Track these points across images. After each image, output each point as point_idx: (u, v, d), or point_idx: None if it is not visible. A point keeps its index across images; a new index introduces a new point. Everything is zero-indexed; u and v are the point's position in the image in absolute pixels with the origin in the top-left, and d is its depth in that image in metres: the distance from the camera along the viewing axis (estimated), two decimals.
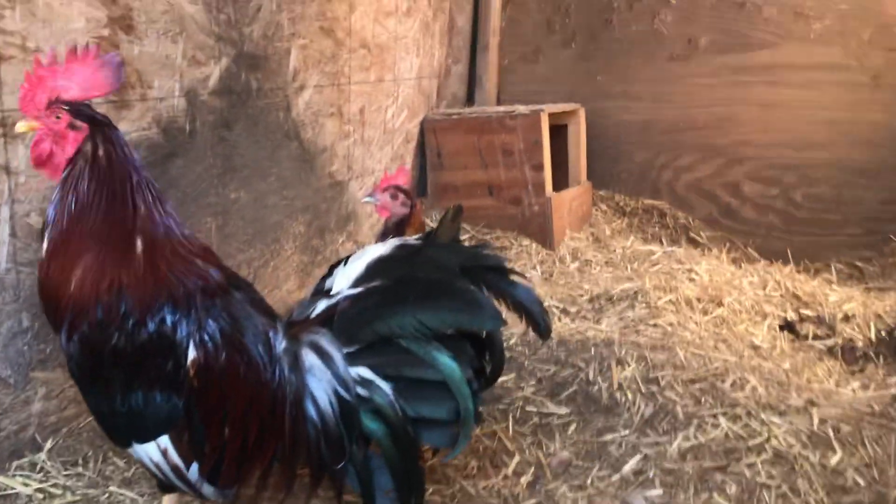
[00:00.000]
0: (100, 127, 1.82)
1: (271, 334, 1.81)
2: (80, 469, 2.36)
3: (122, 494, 2.22)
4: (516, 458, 2.39)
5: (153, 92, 2.66)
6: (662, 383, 2.66)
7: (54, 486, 2.27)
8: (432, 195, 4.55)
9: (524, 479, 2.29)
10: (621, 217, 4.93)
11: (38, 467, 2.35)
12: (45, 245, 1.77)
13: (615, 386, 2.67)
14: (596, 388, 2.69)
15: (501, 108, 4.55)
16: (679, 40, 4.81)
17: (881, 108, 4.47)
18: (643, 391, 2.63)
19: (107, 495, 2.22)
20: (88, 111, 1.82)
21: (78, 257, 1.72)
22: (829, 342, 3.54)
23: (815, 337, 3.57)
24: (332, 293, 1.85)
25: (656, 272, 3.85)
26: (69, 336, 1.72)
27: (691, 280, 3.78)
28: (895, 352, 3.43)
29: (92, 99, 1.87)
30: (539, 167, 4.28)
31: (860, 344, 3.48)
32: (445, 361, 1.71)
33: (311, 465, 1.81)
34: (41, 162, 1.82)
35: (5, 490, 2.24)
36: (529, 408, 2.64)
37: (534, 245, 4.28)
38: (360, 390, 1.76)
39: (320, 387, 1.77)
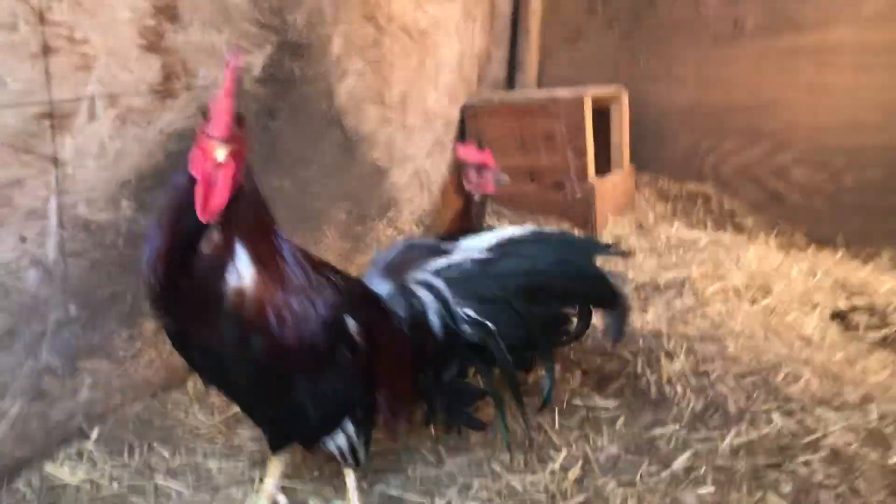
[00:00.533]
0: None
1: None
2: (125, 458, 2.36)
3: (167, 486, 2.22)
4: (563, 453, 2.35)
5: (198, 81, 2.65)
6: (713, 377, 2.60)
7: (101, 475, 2.28)
8: None
9: (571, 475, 2.24)
10: (665, 202, 4.85)
11: (84, 456, 2.36)
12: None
13: (664, 379, 2.62)
14: (644, 380, 2.64)
15: (543, 92, 4.48)
16: (724, 21, 4.70)
17: None
18: (693, 385, 2.58)
19: (153, 486, 2.22)
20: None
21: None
22: (882, 333, 3.44)
23: (868, 327, 3.48)
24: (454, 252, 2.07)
25: (703, 260, 3.77)
26: (248, 346, 1.73)
27: (739, 268, 3.69)
28: None
29: None
30: (582, 152, 4.22)
31: None
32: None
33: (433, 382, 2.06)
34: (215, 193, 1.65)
35: (53, 480, 2.26)
36: (576, 401, 2.60)
37: (576, 231, 4.22)
38: (467, 328, 2.03)
39: (435, 317, 2.02)
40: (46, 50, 2.16)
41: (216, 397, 2.70)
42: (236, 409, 2.61)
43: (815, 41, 4.53)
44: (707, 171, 4.88)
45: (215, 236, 1.67)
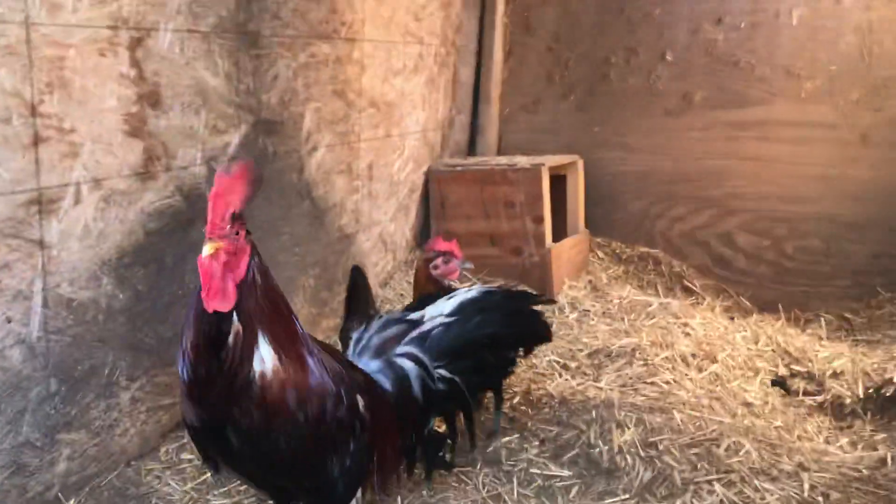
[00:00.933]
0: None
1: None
2: None
3: None
4: None
5: (177, 161, 2.78)
6: (661, 447, 2.77)
7: None
8: None
9: None
10: (618, 264, 5.06)
11: None
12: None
13: (615, 449, 2.78)
14: (597, 450, 2.80)
15: (503, 160, 4.68)
16: (674, 95, 4.97)
17: (869, 166, 4.62)
18: (642, 455, 2.74)
19: None
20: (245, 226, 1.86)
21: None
22: (819, 398, 3.66)
23: (806, 393, 3.70)
24: (423, 321, 2.44)
25: (652, 326, 3.97)
26: (289, 437, 1.92)
27: (686, 335, 3.90)
28: (882, 409, 3.56)
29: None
30: (539, 219, 4.42)
31: (848, 401, 3.61)
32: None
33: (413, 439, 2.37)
34: (217, 285, 1.79)
35: None
36: (533, 469, 2.75)
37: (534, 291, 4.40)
38: (441, 385, 2.39)
39: (416, 382, 2.34)
40: (37, 140, 2.28)
41: (188, 464, 2.80)
42: (207, 475, 2.72)
43: (759, 116, 4.81)
44: (657, 235, 5.12)
45: (237, 326, 1.82)
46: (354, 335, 2.47)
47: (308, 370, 1.95)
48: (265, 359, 1.86)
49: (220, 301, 1.80)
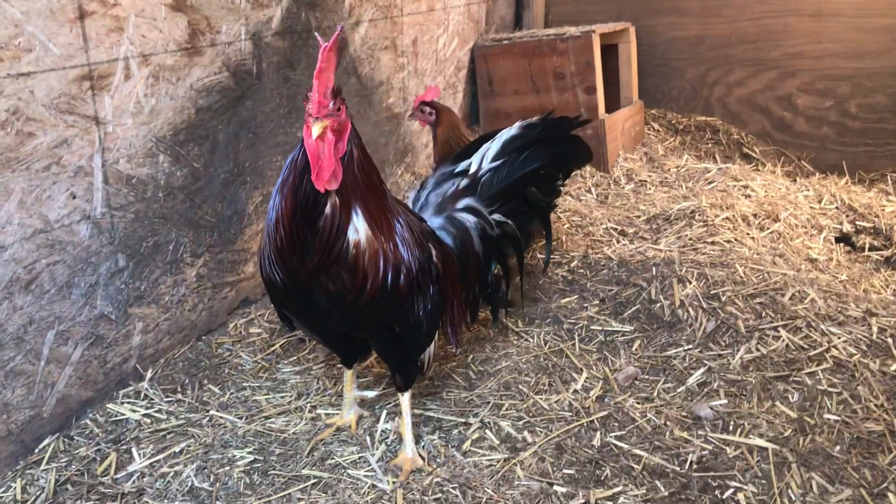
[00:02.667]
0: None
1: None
2: (179, 396, 2.55)
3: (221, 417, 2.41)
4: (584, 374, 2.52)
5: (221, 37, 2.76)
6: (723, 299, 2.75)
7: (158, 411, 2.47)
8: (484, 122, 4.60)
9: (593, 393, 2.42)
10: (674, 135, 4.94)
11: (141, 395, 2.55)
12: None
13: (677, 303, 2.77)
14: (658, 305, 2.80)
15: (552, 31, 4.54)
16: None
17: None
18: (704, 307, 2.73)
19: (208, 418, 2.41)
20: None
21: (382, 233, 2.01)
22: (886, 253, 3.58)
23: (872, 248, 3.62)
24: (471, 171, 2.48)
25: (712, 190, 3.90)
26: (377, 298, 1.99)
27: (747, 196, 3.82)
28: None
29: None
30: (592, 89, 4.31)
31: None
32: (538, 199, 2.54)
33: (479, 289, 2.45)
34: (326, 165, 1.83)
35: (116, 416, 2.45)
36: (594, 327, 2.77)
37: (588, 168, 4.33)
38: (497, 229, 2.45)
39: (476, 233, 2.40)
40: (83, 14, 2.27)
41: (257, 337, 2.88)
42: (275, 346, 2.80)
43: None
44: (714, 102, 4.96)
45: (335, 200, 1.85)
46: (412, 195, 2.47)
47: (396, 237, 2.01)
48: (359, 229, 1.89)
49: (330, 181, 1.82)
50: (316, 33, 2.87)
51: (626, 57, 4.82)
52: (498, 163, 2.48)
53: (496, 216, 2.47)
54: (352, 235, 1.89)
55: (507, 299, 2.68)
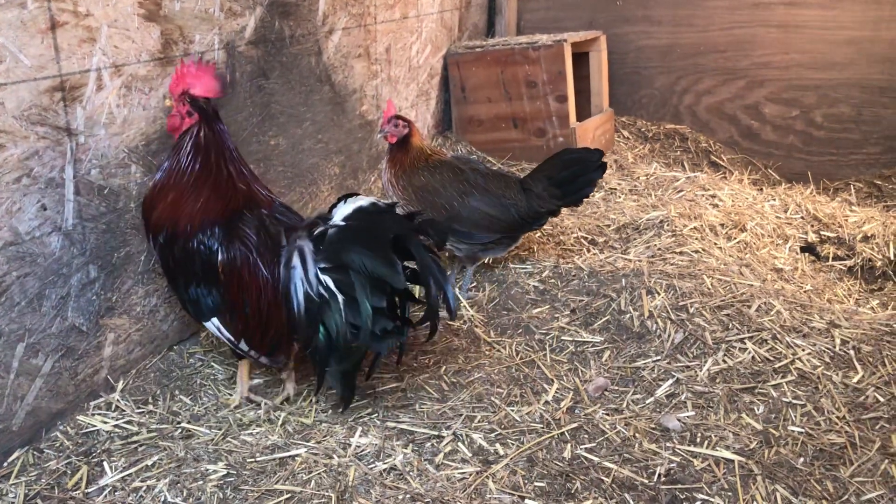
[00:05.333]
0: (206, 118, 2.42)
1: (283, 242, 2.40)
2: (150, 407, 2.55)
3: (194, 429, 2.41)
4: (555, 385, 2.56)
5: (195, 46, 2.75)
6: (691, 310, 2.80)
7: (129, 423, 2.46)
8: (457, 129, 4.63)
9: (564, 405, 2.45)
10: (644, 143, 5.01)
11: (113, 406, 2.54)
12: (151, 185, 2.43)
13: (646, 314, 2.82)
14: (628, 316, 2.84)
15: (524, 39, 4.58)
16: None
17: None
18: (673, 319, 2.78)
19: (179, 430, 2.41)
20: (200, 105, 2.41)
21: (165, 196, 2.39)
22: (849, 262, 3.66)
23: (836, 258, 3.70)
24: (329, 221, 2.38)
25: (680, 199, 3.95)
26: (154, 245, 2.43)
27: (714, 206, 3.88)
28: None
29: (208, 97, 2.42)
30: (563, 98, 4.35)
31: (879, 263, 3.61)
32: (365, 303, 2.24)
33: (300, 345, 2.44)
34: (172, 129, 2.45)
35: (87, 428, 2.44)
36: (565, 337, 2.80)
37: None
38: (322, 292, 2.31)
39: (298, 282, 2.34)
40: (54, 25, 2.25)
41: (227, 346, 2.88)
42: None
43: None
44: (684, 110, 5.04)
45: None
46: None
47: (198, 206, 2.36)
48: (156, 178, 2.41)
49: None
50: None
51: (596, 65, 4.87)
52: (344, 224, 2.34)
53: (327, 279, 2.30)
54: (157, 175, 2.39)
55: (329, 380, 2.41)
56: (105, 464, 2.26)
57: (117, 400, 2.56)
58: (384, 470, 2.14)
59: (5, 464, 2.29)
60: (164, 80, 2.66)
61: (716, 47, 4.86)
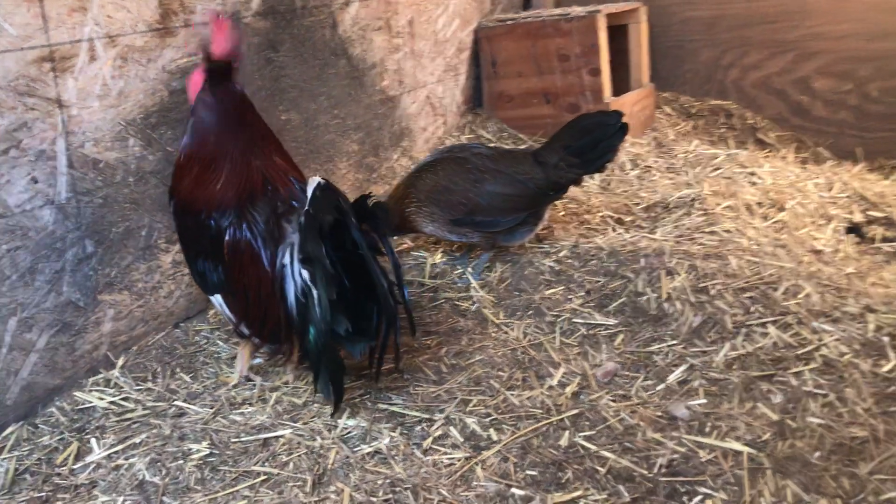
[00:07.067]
0: (212, 79, 2.30)
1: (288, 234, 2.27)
2: (149, 384, 2.51)
3: (187, 407, 2.36)
4: (562, 369, 2.43)
5: (196, 17, 2.69)
6: (712, 292, 2.63)
7: (126, 399, 2.43)
8: (487, 105, 4.49)
9: (569, 390, 2.32)
10: (686, 119, 4.78)
11: (111, 383, 2.52)
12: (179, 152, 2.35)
13: (664, 296, 2.66)
14: (645, 298, 2.69)
15: (556, 11, 4.41)
16: None
17: None
18: (692, 301, 2.61)
19: (173, 409, 2.36)
20: (209, 66, 2.29)
21: (189, 169, 2.32)
22: None
23: (885, 239, 3.45)
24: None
25: (716, 177, 3.75)
26: (174, 213, 2.38)
27: (753, 184, 3.67)
28: None
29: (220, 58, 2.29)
30: (596, 72, 4.17)
31: None
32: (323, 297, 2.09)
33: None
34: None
35: (83, 404, 2.41)
36: (577, 319, 2.66)
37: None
38: (304, 289, 2.17)
39: (289, 280, 2.22)
40: None
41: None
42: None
43: None
44: (729, 85, 4.79)
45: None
46: None
47: (219, 181, 2.29)
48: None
49: None
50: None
51: (636, 38, 4.66)
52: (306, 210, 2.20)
53: (305, 274, 2.16)
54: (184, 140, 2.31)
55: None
56: (93, 441, 2.23)
57: (116, 377, 2.54)
58: (368, 453, 2.05)
59: None
60: (164, 50, 2.60)
61: (764, 18, 4.59)
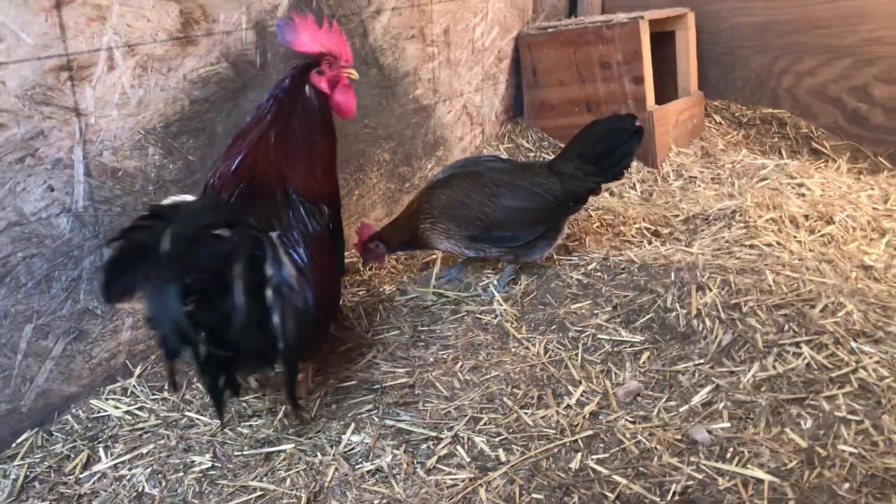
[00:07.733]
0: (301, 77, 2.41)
1: None
2: (165, 394, 2.50)
3: (197, 419, 2.34)
4: (581, 388, 2.33)
5: (219, 26, 2.68)
6: (745, 309, 2.49)
7: (141, 408, 2.42)
8: (528, 115, 4.40)
9: (587, 409, 2.22)
10: (737, 129, 4.61)
11: (128, 391, 2.51)
12: None
13: (693, 313, 2.53)
14: (674, 314, 2.56)
15: (599, 18, 4.30)
16: None
17: None
18: (723, 318, 2.48)
19: (184, 420, 2.34)
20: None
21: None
22: None
23: None
24: None
25: (762, 188, 3.59)
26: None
27: (800, 195, 3.50)
28: None
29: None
30: (639, 80, 4.05)
31: None
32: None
33: None
34: None
35: (98, 412, 2.41)
36: (602, 335, 2.56)
37: (635, 162, 4.07)
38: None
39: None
40: (59, 3, 2.23)
41: None
42: None
43: None
44: (782, 93, 4.60)
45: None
46: None
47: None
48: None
49: None
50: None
51: (683, 45, 4.52)
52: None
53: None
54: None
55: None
56: (104, 450, 2.22)
57: (133, 385, 2.53)
58: (368, 471, 1.99)
59: (14, 444, 2.29)
60: (185, 59, 2.60)
61: (818, 23, 4.39)
